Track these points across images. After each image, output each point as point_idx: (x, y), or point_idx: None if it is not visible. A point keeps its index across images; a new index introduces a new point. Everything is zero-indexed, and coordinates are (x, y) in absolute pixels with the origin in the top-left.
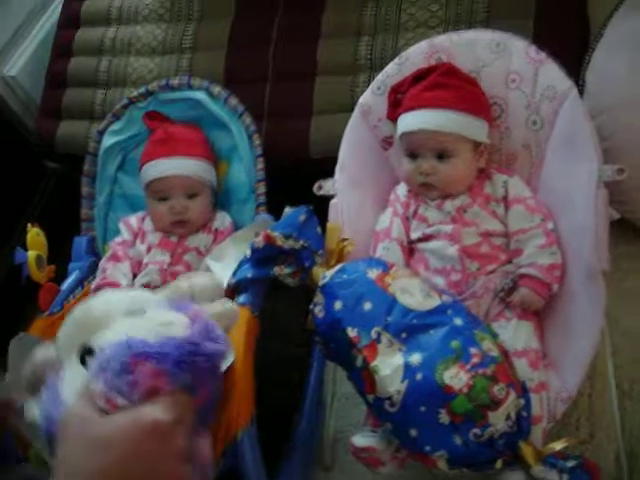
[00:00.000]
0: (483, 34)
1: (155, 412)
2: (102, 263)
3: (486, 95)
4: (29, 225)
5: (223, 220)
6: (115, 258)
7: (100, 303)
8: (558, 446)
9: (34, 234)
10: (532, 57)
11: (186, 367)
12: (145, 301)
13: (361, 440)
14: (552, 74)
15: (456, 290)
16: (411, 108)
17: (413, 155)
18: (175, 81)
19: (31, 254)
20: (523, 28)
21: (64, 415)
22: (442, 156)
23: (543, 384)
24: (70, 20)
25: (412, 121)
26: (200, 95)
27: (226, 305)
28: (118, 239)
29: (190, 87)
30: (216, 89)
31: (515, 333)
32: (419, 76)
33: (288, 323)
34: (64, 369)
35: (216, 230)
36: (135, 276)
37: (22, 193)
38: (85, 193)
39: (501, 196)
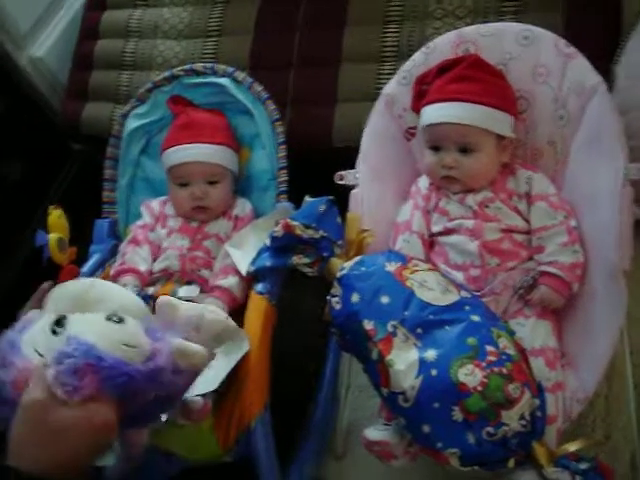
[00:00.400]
0: (511, 26)
1: (104, 413)
2: (122, 246)
3: (512, 88)
4: (51, 207)
5: (243, 207)
6: (135, 242)
7: (103, 288)
8: (572, 447)
9: (56, 216)
10: (561, 50)
11: (125, 390)
12: (135, 310)
13: (374, 433)
14: (581, 69)
15: (475, 286)
16: (435, 100)
17: (436, 148)
18: (199, 66)
19: (52, 236)
20: (553, 21)
21: (23, 398)
22: (465, 150)
23: (560, 384)
24: (97, 2)
25: (435, 114)
26: (224, 81)
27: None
28: (139, 222)
29: (214, 73)
30: (241, 75)
31: (533, 331)
32: (444, 67)
33: (307, 313)
34: (35, 321)
35: (236, 217)
36: (155, 260)
37: (46, 174)
38: (108, 176)
39: (524, 192)
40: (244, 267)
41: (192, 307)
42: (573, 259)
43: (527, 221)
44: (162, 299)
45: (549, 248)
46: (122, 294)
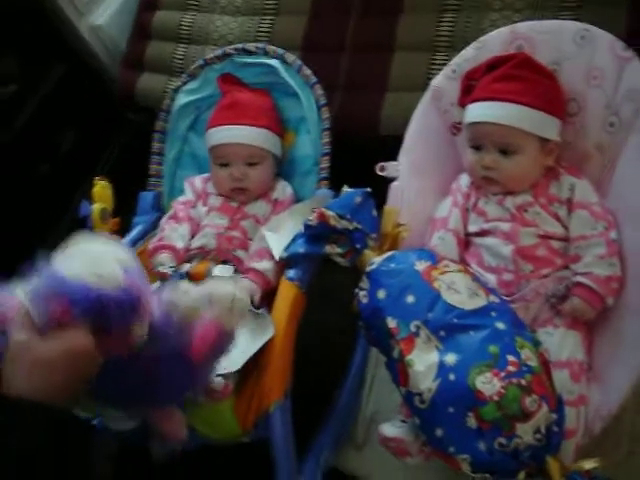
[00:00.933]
0: (568, 24)
1: (81, 338)
2: (163, 221)
3: (564, 90)
4: (96, 178)
5: (284, 190)
6: (175, 218)
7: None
8: (587, 465)
9: (100, 187)
10: (617, 54)
11: (97, 316)
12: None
13: (390, 429)
14: (638, 74)
15: (506, 290)
16: (479, 98)
17: (477, 147)
18: (251, 46)
19: (96, 207)
20: (615, 17)
21: (10, 339)
22: (506, 151)
23: (583, 397)
24: None
25: (478, 112)
26: (274, 62)
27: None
28: (181, 198)
29: (266, 54)
30: (291, 58)
31: (561, 342)
32: (493, 64)
33: (347, 295)
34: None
35: (275, 200)
36: (193, 237)
37: (98, 144)
38: (156, 149)
39: (566, 198)
40: (277, 252)
41: (201, 287)
42: (609, 272)
43: (566, 228)
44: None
45: (586, 259)
46: (120, 250)
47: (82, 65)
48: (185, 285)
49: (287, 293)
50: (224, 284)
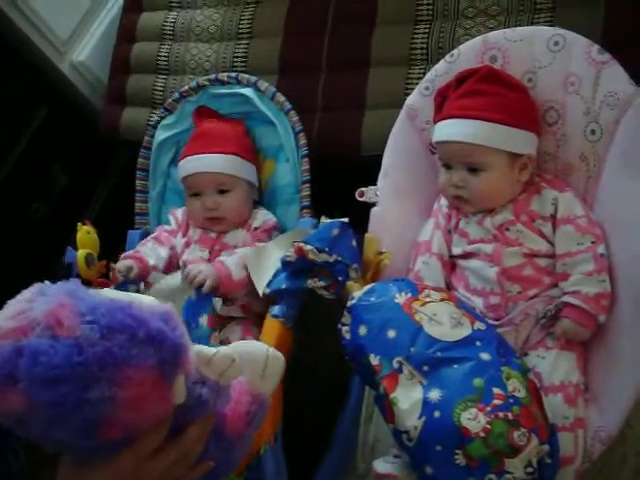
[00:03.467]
0: (541, 31)
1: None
2: (146, 239)
3: (540, 99)
4: (79, 224)
5: (264, 219)
6: (158, 239)
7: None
8: None
9: (84, 232)
10: (593, 58)
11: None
12: None
13: (383, 466)
14: (615, 78)
15: (495, 314)
16: (445, 116)
17: (447, 166)
18: (224, 76)
19: (80, 253)
20: (592, 18)
21: None
22: (473, 169)
23: (580, 420)
24: (134, 4)
25: (443, 131)
26: (247, 91)
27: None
28: (166, 227)
29: (239, 82)
30: (264, 85)
31: (554, 365)
32: (461, 79)
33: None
34: None
35: (255, 228)
36: (169, 269)
37: (93, 180)
38: (139, 187)
39: (549, 214)
40: (260, 288)
41: (228, 347)
42: (599, 289)
43: (552, 244)
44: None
45: (573, 276)
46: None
47: (66, 103)
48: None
49: (272, 331)
50: (255, 343)
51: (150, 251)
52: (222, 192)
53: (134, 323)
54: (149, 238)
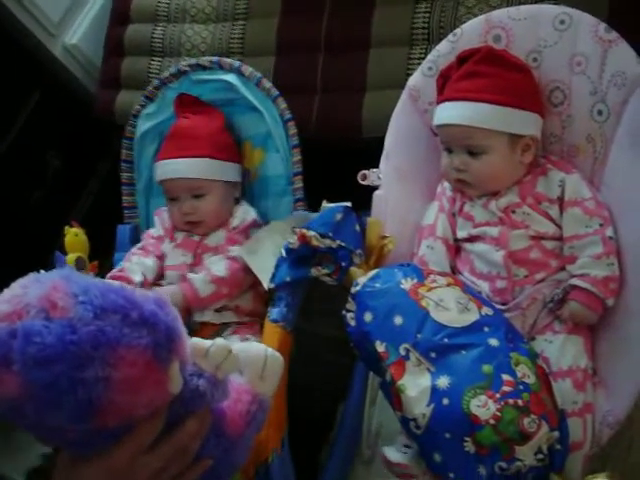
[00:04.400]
0: (546, 9)
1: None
2: (132, 250)
3: (545, 80)
4: (67, 227)
5: (244, 216)
6: (144, 250)
7: None
8: None
9: (72, 235)
10: (601, 37)
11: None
12: None
13: (394, 455)
14: (623, 57)
15: (501, 298)
16: (444, 99)
17: (448, 149)
18: (205, 61)
19: (70, 257)
20: None
21: None
22: (473, 152)
23: (589, 406)
24: None
25: (442, 114)
26: (231, 77)
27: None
28: (152, 231)
29: (221, 67)
30: (248, 70)
31: (562, 349)
32: (463, 58)
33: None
34: None
35: (234, 228)
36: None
37: (88, 165)
38: (125, 179)
39: (556, 196)
40: (265, 282)
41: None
42: (607, 272)
43: (559, 226)
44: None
45: (581, 259)
46: None
47: (59, 87)
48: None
49: (272, 337)
50: (254, 343)
51: (135, 266)
52: (198, 197)
53: (127, 304)
54: (135, 249)
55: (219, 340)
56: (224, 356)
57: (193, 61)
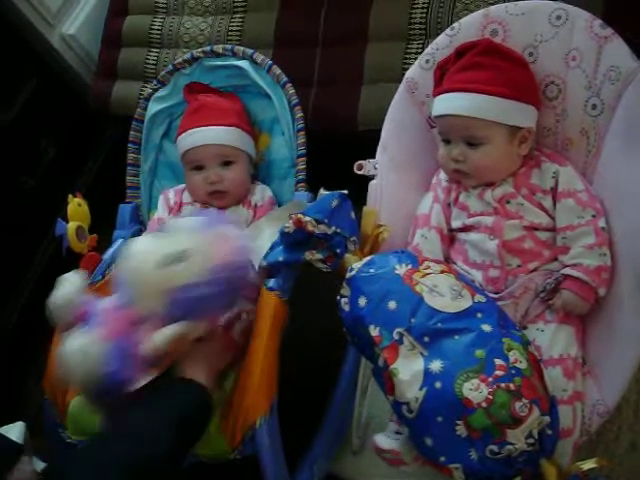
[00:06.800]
0: (542, 4)
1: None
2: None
3: (541, 74)
4: (70, 196)
5: (262, 194)
6: None
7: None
8: (585, 466)
9: (75, 204)
10: (596, 33)
11: None
12: None
13: (385, 441)
14: (617, 53)
15: (494, 287)
16: (444, 90)
17: (446, 140)
18: (219, 48)
19: (71, 225)
20: None
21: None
22: (472, 143)
23: (579, 394)
24: None
25: (441, 105)
26: (243, 63)
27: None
28: (155, 216)
29: (234, 54)
30: (260, 57)
31: (553, 338)
32: (461, 51)
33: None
34: None
35: (255, 205)
36: None
37: (82, 153)
38: (131, 160)
39: (549, 187)
40: (256, 261)
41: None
42: (599, 262)
43: (552, 218)
44: None
45: (574, 249)
46: None
47: (55, 76)
48: None
49: (267, 303)
50: None
51: None
52: (225, 165)
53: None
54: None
55: None
56: None
57: (207, 48)
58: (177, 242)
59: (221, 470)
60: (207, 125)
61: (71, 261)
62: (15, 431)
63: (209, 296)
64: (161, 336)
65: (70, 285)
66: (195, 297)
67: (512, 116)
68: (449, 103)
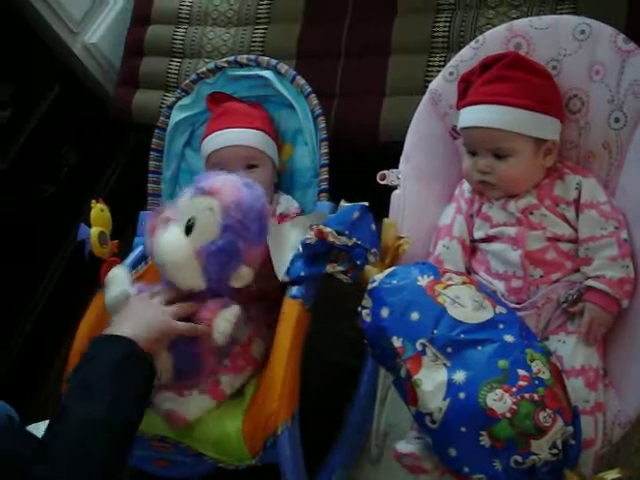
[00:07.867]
0: (566, 19)
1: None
2: None
3: (564, 87)
4: (93, 201)
5: (288, 204)
6: None
7: None
8: (609, 476)
9: (98, 210)
10: (619, 47)
11: None
12: None
13: (405, 446)
14: None
15: (516, 297)
16: (471, 102)
17: (472, 152)
18: (243, 58)
19: (94, 230)
20: (616, 8)
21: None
22: (499, 155)
23: (600, 405)
24: None
25: (469, 117)
26: (267, 73)
27: None
28: None
29: (258, 65)
30: (284, 68)
31: (575, 350)
32: (487, 64)
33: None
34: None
35: (280, 215)
36: None
37: (99, 163)
38: (153, 167)
39: (572, 199)
40: (280, 274)
41: None
42: (622, 274)
43: (574, 229)
44: None
45: (597, 261)
46: None
47: (77, 84)
48: None
49: (290, 311)
50: None
51: None
52: (250, 168)
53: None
54: None
55: None
56: None
57: (231, 58)
58: (183, 216)
59: (241, 477)
60: (233, 127)
61: (91, 266)
62: (44, 428)
63: (235, 235)
64: (224, 323)
65: (122, 279)
66: (223, 245)
67: (537, 128)
68: (476, 115)
